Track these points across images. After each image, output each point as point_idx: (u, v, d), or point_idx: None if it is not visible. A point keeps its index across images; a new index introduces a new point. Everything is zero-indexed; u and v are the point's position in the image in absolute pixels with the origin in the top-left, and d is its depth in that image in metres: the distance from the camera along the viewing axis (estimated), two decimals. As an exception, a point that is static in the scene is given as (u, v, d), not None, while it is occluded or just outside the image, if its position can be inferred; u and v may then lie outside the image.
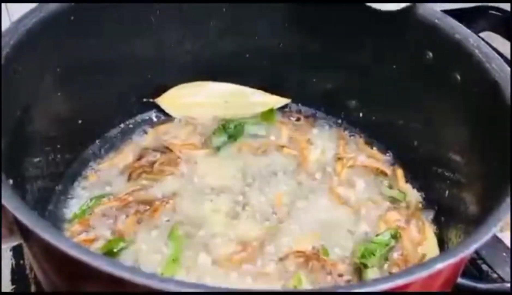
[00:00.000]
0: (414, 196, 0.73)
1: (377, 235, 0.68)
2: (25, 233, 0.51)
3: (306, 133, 0.80)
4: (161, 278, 0.42)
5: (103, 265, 0.42)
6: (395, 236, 0.68)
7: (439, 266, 0.43)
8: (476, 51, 0.62)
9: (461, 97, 0.64)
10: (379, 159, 0.77)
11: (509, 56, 0.65)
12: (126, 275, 0.42)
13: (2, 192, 0.47)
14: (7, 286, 0.67)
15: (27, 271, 0.67)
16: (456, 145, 0.67)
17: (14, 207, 0.45)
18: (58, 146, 0.70)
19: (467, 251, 0.45)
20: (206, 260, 0.63)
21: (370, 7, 0.64)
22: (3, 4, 0.83)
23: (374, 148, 0.78)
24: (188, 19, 0.75)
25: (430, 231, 0.69)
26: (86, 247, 0.58)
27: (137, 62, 0.75)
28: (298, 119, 0.82)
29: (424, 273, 0.43)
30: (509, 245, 0.66)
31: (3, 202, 0.46)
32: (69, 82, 0.68)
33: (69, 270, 0.48)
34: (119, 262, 0.59)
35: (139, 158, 0.74)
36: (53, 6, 0.63)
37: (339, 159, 0.76)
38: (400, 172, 0.75)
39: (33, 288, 0.66)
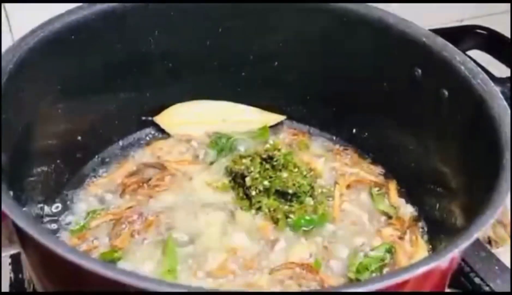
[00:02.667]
0: (407, 209, 0.74)
1: (372, 250, 0.68)
2: (25, 240, 0.52)
3: (301, 149, 0.80)
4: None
5: (102, 270, 0.43)
6: (390, 251, 0.68)
7: (423, 268, 0.44)
8: (462, 68, 0.64)
9: (449, 111, 0.66)
10: (373, 174, 0.78)
11: (493, 72, 0.67)
12: (126, 280, 0.42)
13: (3, 200, 0.48)
14: (6, 300, 0.67)
15: (26, 284, 0.68)
16: (444, 158, 0.68)
17: (15, 213, 0.47)
18: (58, 161, 0.71)
19: (450, 254, 0.46)
20: (200, 272, 0.64)
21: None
22: (6, 23, 0.85)
23: (367, 163, 0.80)
24: (186, 40, 0.77)
25: (422, 245, 0.70)
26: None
27: (136, 81, 0.77)
28: (293, 135, 0.83)
29: (405, 276, 0.44)
30: (507, 260, 0.66)
31: (4, 209, 0.47)
32: (69, 100, 0.70)
33: (68, 277, 0.49)
34: (118, 267, 0.59)
35: (136, 173, 0.75)
36: (54, 26, 0.65)
37: (340, 174, 0.77)
38: (393, 186, 0.76)
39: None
